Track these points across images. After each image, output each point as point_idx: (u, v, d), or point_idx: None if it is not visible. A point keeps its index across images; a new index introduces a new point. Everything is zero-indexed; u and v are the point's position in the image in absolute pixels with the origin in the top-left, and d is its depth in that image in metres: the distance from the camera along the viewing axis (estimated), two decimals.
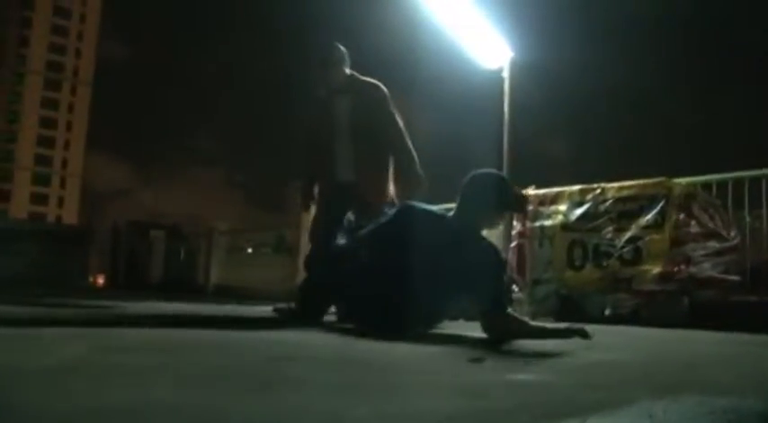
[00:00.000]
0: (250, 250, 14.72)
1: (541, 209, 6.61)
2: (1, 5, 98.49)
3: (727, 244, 5.88)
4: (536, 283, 6.49)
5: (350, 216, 4.22)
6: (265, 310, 5.35)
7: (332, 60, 4.91)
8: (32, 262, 14.74)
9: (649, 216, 5.87)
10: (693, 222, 5.77)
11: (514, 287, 6.59)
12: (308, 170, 5.22)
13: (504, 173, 8.21)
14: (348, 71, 4.95)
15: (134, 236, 17.69)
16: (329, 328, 3.79)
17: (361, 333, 3.21)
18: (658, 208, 5.85)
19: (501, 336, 3.08)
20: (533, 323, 3.38)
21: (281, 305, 5.00)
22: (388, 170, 4.91)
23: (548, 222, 6.49)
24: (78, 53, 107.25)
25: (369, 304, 3.42)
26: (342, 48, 4.94)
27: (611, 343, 3.31)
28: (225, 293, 12.36)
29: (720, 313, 5.26)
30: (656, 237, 5.76)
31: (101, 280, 21.11)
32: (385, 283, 3.31)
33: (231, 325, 4.05)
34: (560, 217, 6.42)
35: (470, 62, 8.48)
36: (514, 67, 8.33)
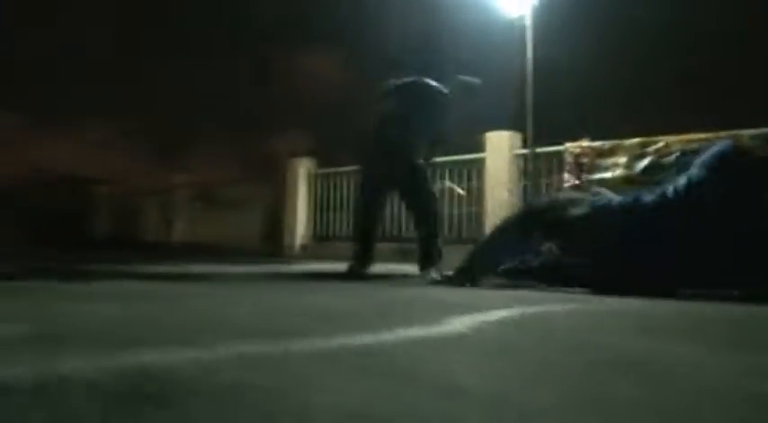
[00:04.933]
0: None
1: (599, 161, 6.52)
2: None
3: None
4: None
5: None
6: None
7: None
8: None
9: None
10: None
11: None
12: None
13: (529, 130, 8.11)
14: None
15: None
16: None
17: None
18: None
19: None
20: None
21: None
22: None
23: (608, 175, 6.42)
24: None
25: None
26: None
27: None
28: None
29: None
30: None
31: None
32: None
33: None
34: (621, 169, 6.36)
35: (490, 10, 8.22)
36: (537, 13, 8.13)
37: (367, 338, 1.50)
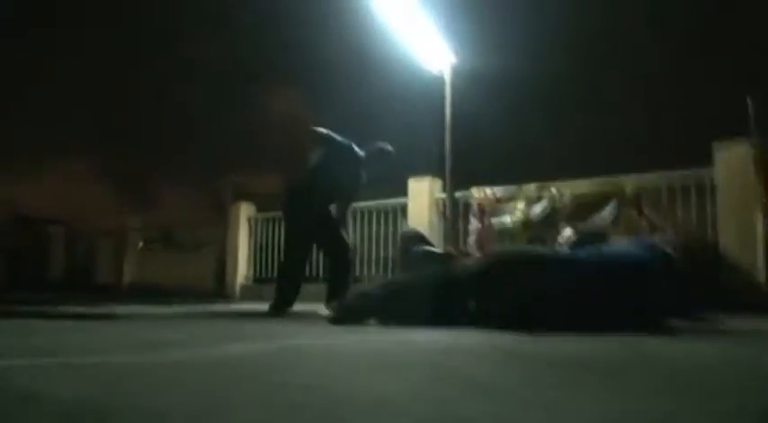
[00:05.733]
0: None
1: (500, 207, 7.02)
2: None
3: (667, 237, 6.49)
4: None
5: None
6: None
7: None
8: None
9: (605, 213, 6.40)
10: (642, 218, 6.35)
11: None
12: None
13: (448, 172, 8.59)
14: None
15: None
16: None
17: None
18: (613, 205, 6.39)
19: None
20: None
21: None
22: None
23: (507, 219, 6.91)
24: None
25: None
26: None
27: None
28: None
29: None
30: (611, 232, 6.29)
31: None
32: None
33: None
34: (519, 214, 6.85)
35: (414, 65, 8.77)
36: (455, 71, 8.68)
37: (127, 357, 1.92)
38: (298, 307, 5.97)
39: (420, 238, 4.92)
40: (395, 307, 4.18)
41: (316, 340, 2.70)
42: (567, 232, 4.93)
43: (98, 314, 5.04)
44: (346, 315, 4.40)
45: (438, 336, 3.12)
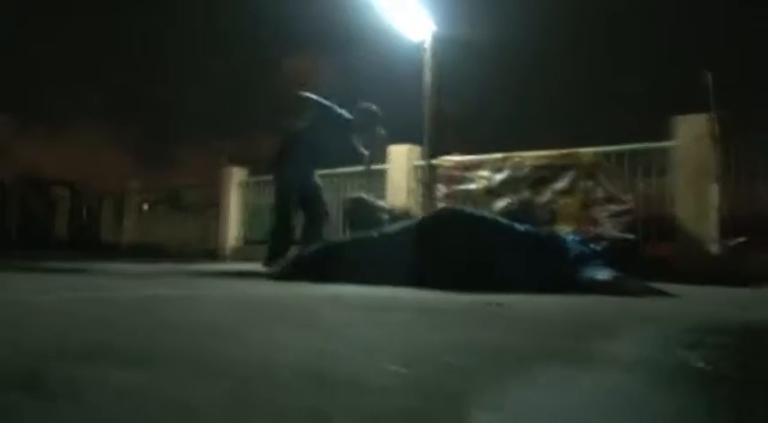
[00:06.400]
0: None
1: (466, 174, 7.34)
2: None
3: (624, 207, 6.80)
4: None
5: None
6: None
7: None
8: None
9: (563, 182, 6.71)
10: (599, 188, 6.65)
11: None
12: None
13: (426, 140, 8.90)
14: None
15: None
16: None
17: None
18: (570, 175, 6.70)
19: None
20: None
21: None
22: None
23: (472, 186, 7.24)
24: None
25: None
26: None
27: None
28: None
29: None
30: (568, 201, 6.62)
31: None
32: None
33: None
34: (484, 182, 7.18)
35: (396, 34, 9.02)
36: (436, 40, 8.93)
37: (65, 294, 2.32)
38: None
39: (363, 203, 5.25)
40: (329, 265, 4.55)
41: (216, 291, 3.13)
42: (500, 203, 5.25)
43: (71, 269, 5.47)
44: (284, 272, 4.79)
45: (342, 290, 3.51)
